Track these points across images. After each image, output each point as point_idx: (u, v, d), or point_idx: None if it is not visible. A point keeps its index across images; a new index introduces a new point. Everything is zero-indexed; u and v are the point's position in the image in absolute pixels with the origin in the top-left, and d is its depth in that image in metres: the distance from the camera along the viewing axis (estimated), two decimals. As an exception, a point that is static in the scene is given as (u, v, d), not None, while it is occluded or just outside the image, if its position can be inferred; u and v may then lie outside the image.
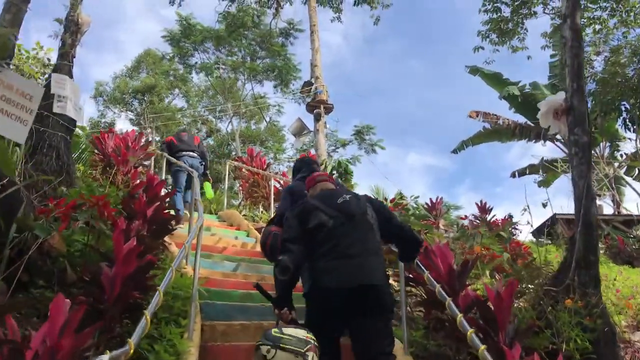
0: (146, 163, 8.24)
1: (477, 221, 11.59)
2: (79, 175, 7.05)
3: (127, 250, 3.53)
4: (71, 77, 6.08)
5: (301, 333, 2.93)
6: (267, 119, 29.04)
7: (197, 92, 30.78)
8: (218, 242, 7.59)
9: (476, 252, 5.66)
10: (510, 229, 8.54)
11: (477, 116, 19.05)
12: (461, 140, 20.20)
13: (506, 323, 3.67)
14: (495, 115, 19.07)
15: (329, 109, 14.15)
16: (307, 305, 3.41)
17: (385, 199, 8.94)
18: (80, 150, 8.28)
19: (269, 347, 2.86)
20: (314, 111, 13.66)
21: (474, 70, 18.88)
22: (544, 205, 6.95)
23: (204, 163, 8.87)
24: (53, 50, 14.55)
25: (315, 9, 15.91)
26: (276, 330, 2.97)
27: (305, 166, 4.73)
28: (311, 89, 14.09)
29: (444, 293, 3.57)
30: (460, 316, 3.12)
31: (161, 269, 4.75)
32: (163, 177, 8.75)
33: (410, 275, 5.16)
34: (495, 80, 18.86)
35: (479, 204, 12.02)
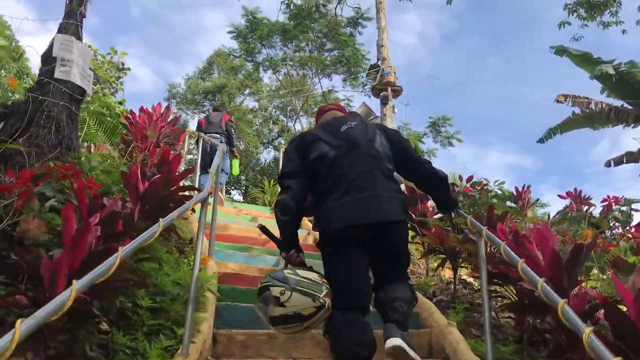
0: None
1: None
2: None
3: (76, 231, 2.46)
4: (79, 38, 5.17)
5: (316, 276, 2.72)
6: (337, 114, 27.88)
7: (269, 91, 30.30)
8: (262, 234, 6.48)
9: (586, 237, 4.23)
10: (629, 210, 6.82)
11: (566, 100, 17.15)
12: (548, 128, 18.35)
13: (654, 340, 2.29)
14: (587, 98, 17.08)
15: (397, 92, 12.74)
16: (322, 254, 2.96)
17: (460, 178, 7.56)
18: (116, 134, 7.50)
19: (282, 288, 2.65)
20: (380, 94, 12.30)
21: (560, 51, 16.93)
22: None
23: (225, 141, 8.84)
24: (126, 54, 14.34)
25: (381, -14, 14.59)
26: (288, 271, 2.75)
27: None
28: (378, 70, 12.78)
29: (552, 292, 2.23)
30: (589, 332, 1.78)
31: (160, 262, 3.69)
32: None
33: (494, 270, 3.85)
34: (585, 60, 16.75)
35: (573, 193, 10.58)
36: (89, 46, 9.86)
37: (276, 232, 3.10)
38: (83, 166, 4.05)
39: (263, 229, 3.31)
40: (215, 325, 3.62)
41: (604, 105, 16.39)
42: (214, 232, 4.91)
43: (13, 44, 24.03)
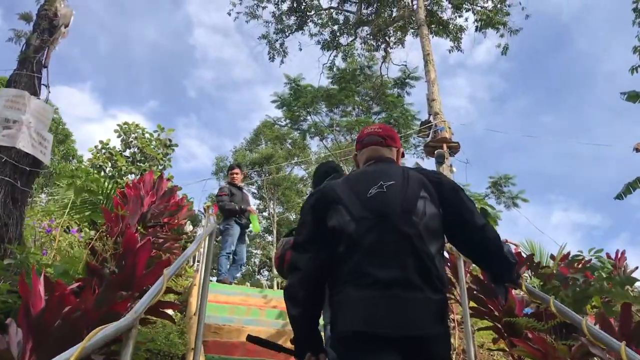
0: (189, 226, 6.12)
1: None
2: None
3: None
4: (35, 94, 3.99)
5: None
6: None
7: (317, 159, 29.60)
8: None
9: None
10: None
11: (645, 149, 15.09)
12: (626, 183, 16.27)
13: None
14: (670, 144, 15.01)
15: (454, 149, 11.18)
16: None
17: (553, 257, 5.85)
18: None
19: None
20: (435, 152, 10.77)
21: (633, 97, 15.14)
22: None
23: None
24: (173, 130, 13.60)
25: (428, 37, 13.39)
26: None
27: (333, 172, 3.46)
28: (430, 126, 11.34)
29: None
30: None
31: None
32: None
33: None
34: (664, 103, 14.89)
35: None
36: (144, 128, 9.01)
37: None
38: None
39: (253, 340, 2.40)
40: None
41: (692, 152, 14.38)
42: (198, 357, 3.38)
43: (60, 126, 24.16)
